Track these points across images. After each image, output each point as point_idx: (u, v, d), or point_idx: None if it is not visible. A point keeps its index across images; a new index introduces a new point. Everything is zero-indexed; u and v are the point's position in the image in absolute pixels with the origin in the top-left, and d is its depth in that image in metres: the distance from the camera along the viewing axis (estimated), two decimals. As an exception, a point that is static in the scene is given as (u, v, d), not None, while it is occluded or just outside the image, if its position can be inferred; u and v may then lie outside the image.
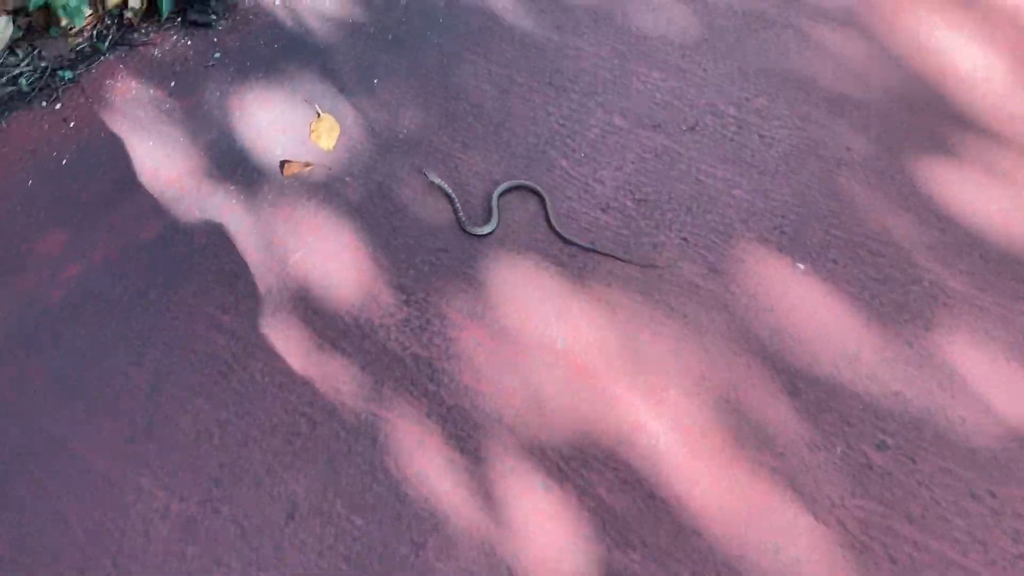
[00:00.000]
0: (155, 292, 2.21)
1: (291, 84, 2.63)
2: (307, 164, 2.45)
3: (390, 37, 2.75)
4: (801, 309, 2.12)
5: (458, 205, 2.31)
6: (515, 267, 2.22)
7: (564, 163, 2.44)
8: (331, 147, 2.50)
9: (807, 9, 2.78)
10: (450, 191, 2.34)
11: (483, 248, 2.26)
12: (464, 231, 2.28)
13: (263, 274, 2.23)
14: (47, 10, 2.67)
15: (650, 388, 1.99)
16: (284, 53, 2.72)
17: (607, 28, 2.76)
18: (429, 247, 2.28)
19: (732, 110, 2.54)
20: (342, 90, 2.62)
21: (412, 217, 2.34)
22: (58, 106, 2.58)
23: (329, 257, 2.26)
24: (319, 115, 2.55)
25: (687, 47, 2.70)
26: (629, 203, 2.35)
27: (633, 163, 2.44)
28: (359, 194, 2.39)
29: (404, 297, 2.19)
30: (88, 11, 2.71)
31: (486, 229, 2.29)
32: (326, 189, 2.40)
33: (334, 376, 2.05)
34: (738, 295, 2.15)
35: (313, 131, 2.52)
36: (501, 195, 2.35)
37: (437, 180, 2.35)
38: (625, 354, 2.05)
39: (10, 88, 2.59)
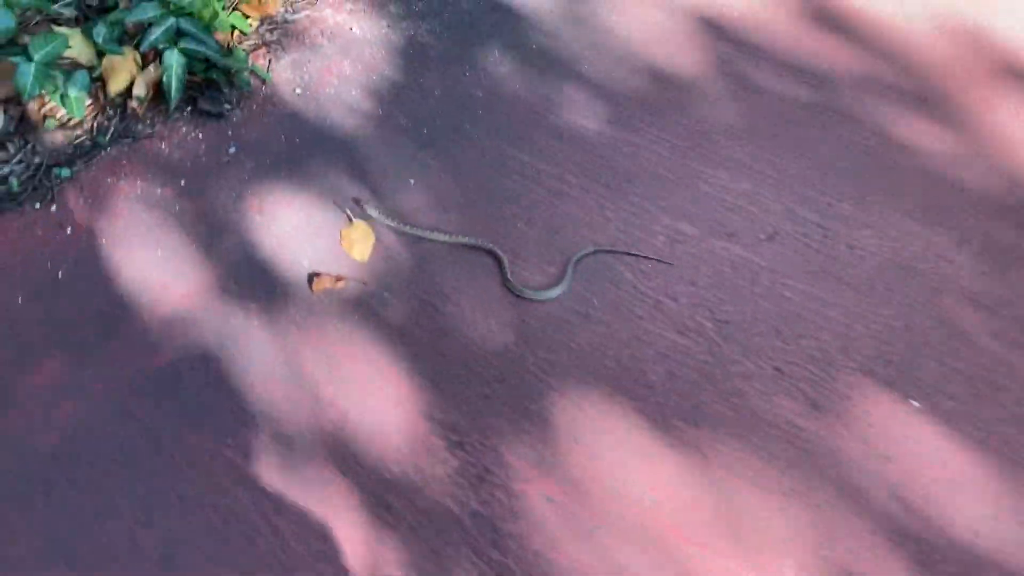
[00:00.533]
0: (166, 435, 1.88)
1: (317, 184, 2.34)
2: (339, 278, 2.15)
3: (425, 132, 2.47)
4: (922, 457, 1.82)
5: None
6: (585, 402, 1.92)
7: (629, 276, 2.15)
8: (365, 258, 2.20)
9: (886, 100, 2.54)
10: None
11: (546, 377, 1.96)
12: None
13: (293, 412, 1.91)
14: (41, 99, 2.37)
15: (760, 563, 1.68)
16: (307, 148, 2.43)
17: (663, 122, 2.50)
18: (483, 376, 1.97)
19: (814, 216, 2.27)
20: (375, 191, 2.33)
21: (461, 340, 2.03)
22: (53, 208, 2.27)
23: (368, 390, 1.95)
24: (350, 220, 2.26)
25: (756, 144, 2.43)
26: (708, 324, 2.06)
27: (708, 277, 2.15)
28: (399, 313, 2.08)
29: (457, 439, 1.88)
30: (88, 101, 2.41)
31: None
32: (361, 307, 2.10)
33: (381, 540, 1.72)
34: (848, 440, 1.85)
35: (344, 239, 2.22)
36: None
37: (376, 214, 2.17)
38: (724, 516, 1.75)
39: (-2, 187, 2.28)
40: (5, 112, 2.42)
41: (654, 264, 2.19)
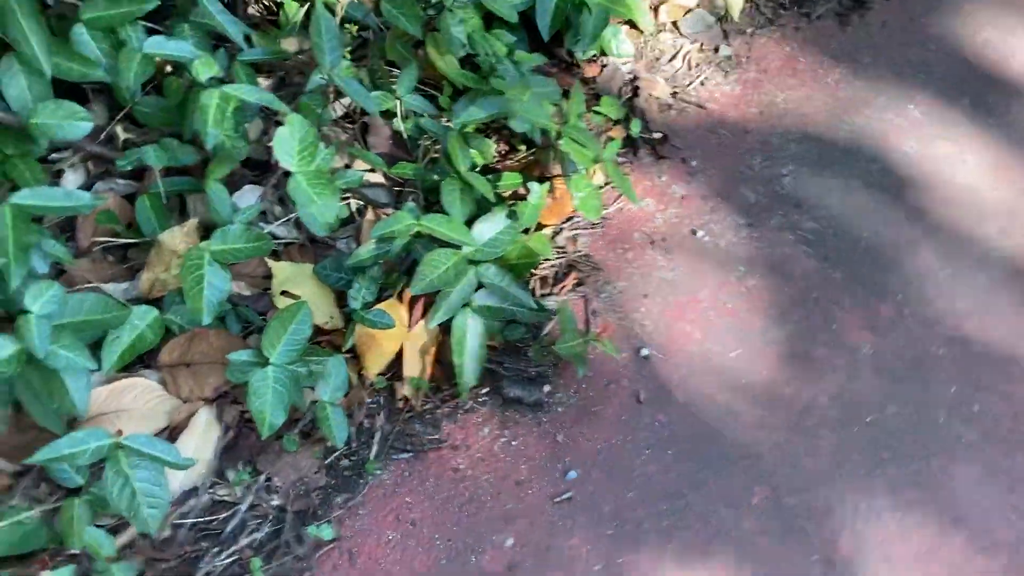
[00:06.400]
0: None
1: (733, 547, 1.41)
2: None
3: (876, 437, 1.53)
4: None
5: None
6: None
7: None
8: None
9: None
10: None
11: None
12: None
13: None
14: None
15: None
16: (691, 465, 1.51)
17: None
18: None
19: None
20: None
21: None
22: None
23: None
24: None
25: None
26: None
27: None
28: None
29: None
30: (341, 393, 1.50)
31: None
32: None
33: None
34: None
35: None
36: None
37: None
38: None
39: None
40: (220, 420, 1.53)
41: None
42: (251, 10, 1.87)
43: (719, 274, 1.78)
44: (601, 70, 2.05)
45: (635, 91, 2.02)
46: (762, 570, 1.43)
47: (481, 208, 1.63)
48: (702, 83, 2.07)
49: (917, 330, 1.70)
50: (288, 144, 1.47)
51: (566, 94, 1.81)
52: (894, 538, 1.48)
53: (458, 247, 1.54)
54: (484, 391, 1.63)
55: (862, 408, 1.61)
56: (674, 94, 2.06)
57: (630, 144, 1.95)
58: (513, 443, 1.58)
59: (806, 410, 1.61)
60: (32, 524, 1.37)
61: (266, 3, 1.89)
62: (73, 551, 1.36)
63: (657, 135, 1.98)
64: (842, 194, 1.91)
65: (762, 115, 2.02)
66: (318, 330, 1.61)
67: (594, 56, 2.05)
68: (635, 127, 1.92)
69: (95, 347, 1.42)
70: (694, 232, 1.84)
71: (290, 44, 1.81)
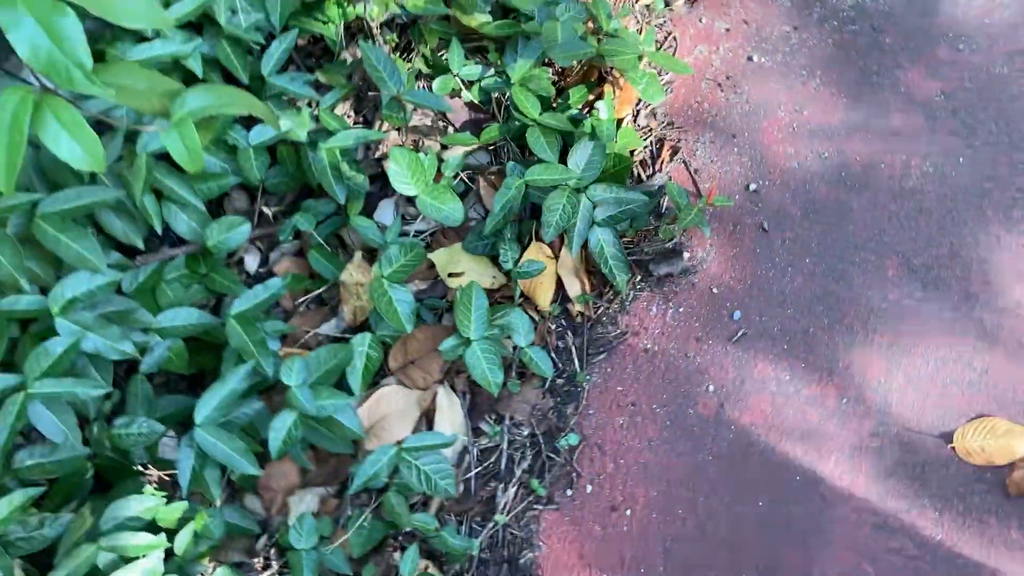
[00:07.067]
0: None
1: (894, 300, 1.69)
2: None
3: None
4: None
5: None
6: None
7: None
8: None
9: None
10: None
11: None
12: None
13: None
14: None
15: None
16: (832, 256, 1.77)
17: None
18: None
19: None
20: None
21: None
22: (587, 490, 1.77)
23: None
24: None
25: None
26: None
27: None
28: None
29: None
30: (531, 334, 1.85)
31: None
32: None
33: None
34: None
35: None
36: None
37: None
38: None
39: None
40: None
41: None
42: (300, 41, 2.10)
43: (786, 86, 1.96)
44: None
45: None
46: (921, 327, 1.71)
47: (567, 138, 1.88)
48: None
49: (976, 59, 1.84)
50: (399, 174, 1.77)
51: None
52: (1018, 257, 1.71)
53: (564, 183, 1.81)
54: (638, 279, 1.93)
55: (950, 155, 1.81)
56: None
57: (667, 1, 2.10)
58: (680, 310, 1.88)
59: (904, 175, 1.81)
60: (369, 524, 1.82)
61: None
62: (407, 530, 1.80)
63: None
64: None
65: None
66: (489, 292, 1.93)
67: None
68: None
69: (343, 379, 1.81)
70: (750, 58, 2.01)
71: (345, 56, 2.06)
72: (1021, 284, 1.68)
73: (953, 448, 1.62)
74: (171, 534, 1.57)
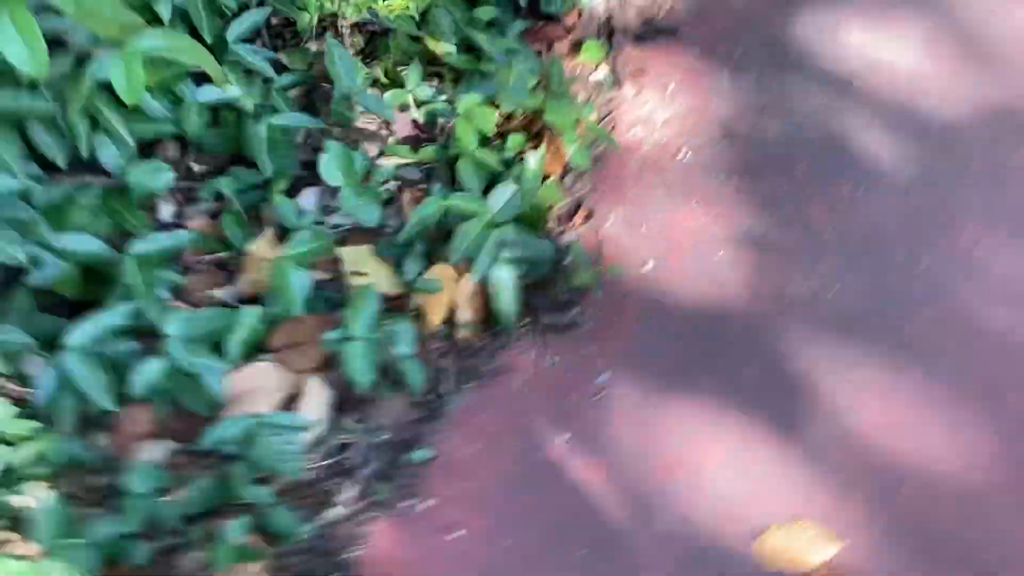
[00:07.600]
0: None
1: (737, 401, 1.84)
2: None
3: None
4: None
5: None
6: None
7: None
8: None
9: None
10: None
11: None
12: None
13: None
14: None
15: None
16: (697, 348, 1.91)
17: None
18: None
19: None
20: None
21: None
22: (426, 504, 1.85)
23: None
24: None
25: None
26: None
27: None
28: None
29: None
30: (413, 346, 1.94)
31: None
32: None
33: None
34: None
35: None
36: None
37: None
38: None
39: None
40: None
41: None
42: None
43: (704, 184, 2.12)
44: (579, 16, 2.34)
45: (611, 30, 2.32)
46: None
47: (495, 176, 1.99)
48: (670, 8, 2.35)
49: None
50: (331, 166, 1.85)
51: (550, 47, 2.12)
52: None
53: (480, 216, 1.91)
54: (525, 322, 2.03)
55: (826, 280, 1.99)
56: (646, 22, 2.34)
57: (616, 82, 2.26)
58: (556, 359, 1.99)
59: (784, 293, 1.98)
60: (209, 487, 1.86)
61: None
62: (245, 502, 1.84)
63: (636, 67, 2.28)
64: (802, 93, 2.21)
65: (724, 27, 2.30)
66: (386, 297, 2.01)
67: (572, 5, 2.33)
68: (607, 72, 2.22)
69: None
70: (679, 150, 2.18)
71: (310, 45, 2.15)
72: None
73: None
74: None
